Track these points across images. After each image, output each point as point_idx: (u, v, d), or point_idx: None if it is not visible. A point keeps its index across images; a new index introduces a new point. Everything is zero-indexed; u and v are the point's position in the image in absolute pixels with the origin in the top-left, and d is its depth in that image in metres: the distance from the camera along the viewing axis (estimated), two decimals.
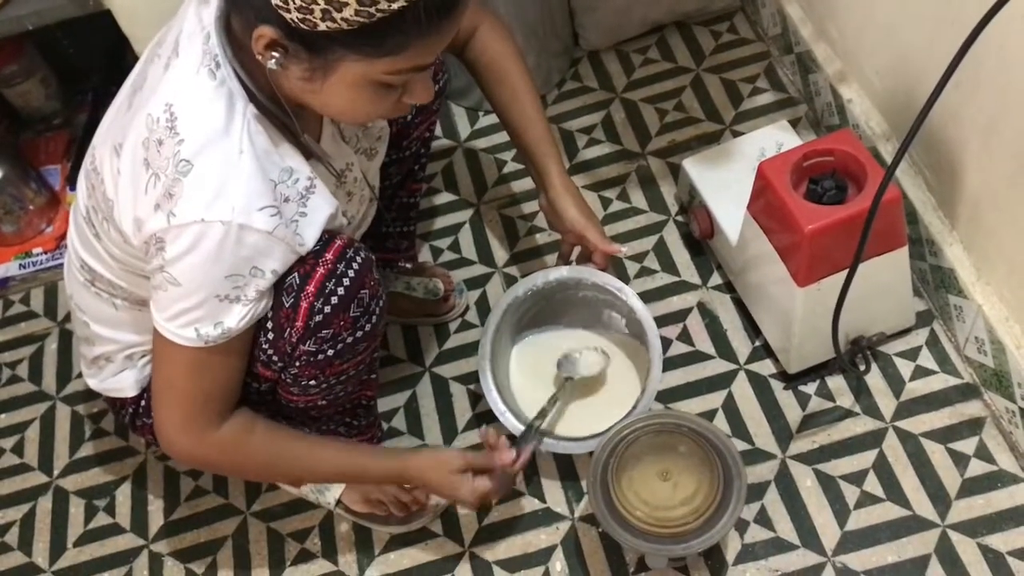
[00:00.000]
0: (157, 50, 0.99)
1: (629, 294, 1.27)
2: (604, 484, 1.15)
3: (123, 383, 1.19)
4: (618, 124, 1.66)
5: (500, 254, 1.55)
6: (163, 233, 0.90)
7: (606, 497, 1.14)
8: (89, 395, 1.52)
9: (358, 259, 1.02)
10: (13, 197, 1.65)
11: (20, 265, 1.68)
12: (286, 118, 0.95)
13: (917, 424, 1.26)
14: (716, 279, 1.45)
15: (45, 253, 1.69)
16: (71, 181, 1.76)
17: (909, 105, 1.22)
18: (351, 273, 1.00)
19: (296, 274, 0.98)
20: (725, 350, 1.38)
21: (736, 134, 1.57)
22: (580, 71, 1.74)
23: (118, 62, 1.81)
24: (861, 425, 1.27)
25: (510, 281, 1.40)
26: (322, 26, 0.80)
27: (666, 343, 1.39)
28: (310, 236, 0.97)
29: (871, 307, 1.25)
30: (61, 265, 1.67)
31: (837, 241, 1.13)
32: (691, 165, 1.44)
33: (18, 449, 1.49)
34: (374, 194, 1.20)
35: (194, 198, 0.89)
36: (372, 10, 0.79)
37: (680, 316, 1.42)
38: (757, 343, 1.37)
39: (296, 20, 0.81)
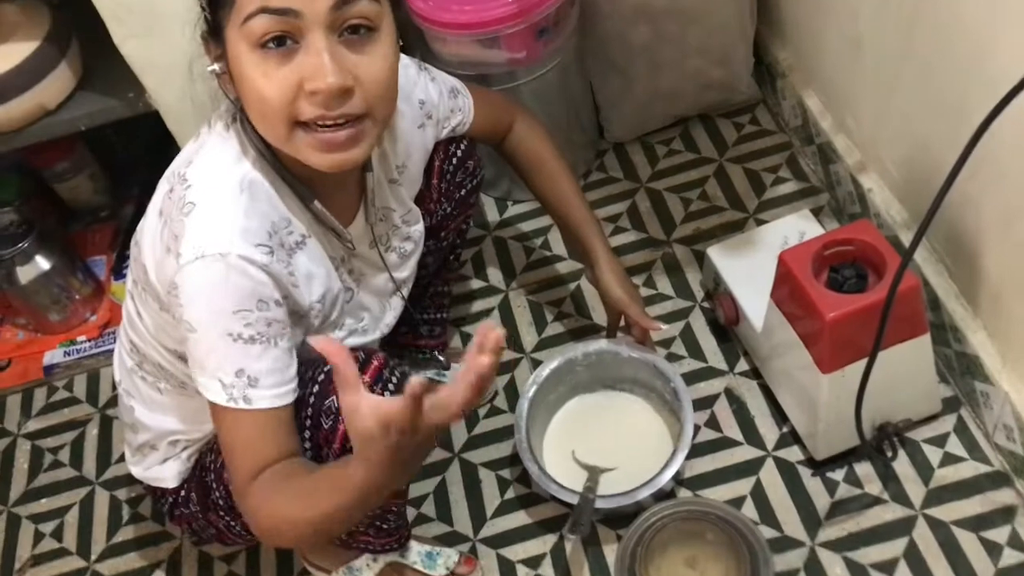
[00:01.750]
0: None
1: (658, 361, 1.36)
2: (632, 572, 1.15)
3: (165, 473, 1.20)
4: (643, 213, 1.70)
5: (528, 339, 1.58)
6: (175, 276, 0.93)
7: None
8: (127, 480, 1.55)
9: (394, 380, 1.03)
10: (60, 287, 1.71)
11: (65, 352, 1.73)
12: (296, 183, 1.00)
13: (948, 512, 1.25)
14: (743, 365, 1.46)
15: (89, 341, 1.74)
16: (116, 271, 1.82)
17: (927, 195, 1.24)
18: (386, 396, 1.01)
19: (334, 397, 0.99)
20: (753, 436, 1.38)
21: (759, 222, 1.60)
22: (606, 162, 1.79)
23: (163, 157, 1.89)
24: (891, 512, 1.27)
25: (538, 367, 1.43)
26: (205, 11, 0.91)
27: (694, 429, 1.39)
28: (304, 290, 1.01)
29: (896, 393, 1.25)
30: (104, 353, 1.72)
31: (859, 329, 1.15)
32: (715, 253, 1.47)
33: (57, 533, 1.52)
34: (399, 288, 1.22)
35: (194, 234, 0.92)
36: None
37: (708, 402, 1.43)
38: (784, 429, 1.38)
39: (200, 7, 0.92)
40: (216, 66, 0.94)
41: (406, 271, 1.23)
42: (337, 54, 0.88)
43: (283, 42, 0.87)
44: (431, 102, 1.18)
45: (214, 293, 0.92)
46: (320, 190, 1.02)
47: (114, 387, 1.67)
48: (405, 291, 1.24)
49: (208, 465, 1.17)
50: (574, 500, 1.26)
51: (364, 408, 0.75)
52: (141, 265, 1.02)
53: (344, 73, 0.88)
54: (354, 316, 1.15)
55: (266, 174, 0.98)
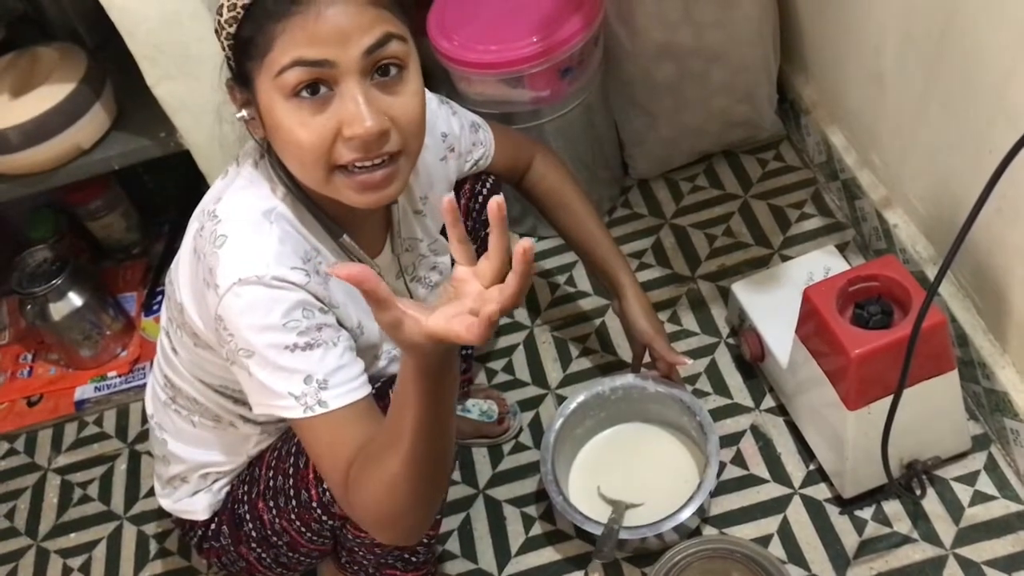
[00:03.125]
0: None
1: (684, 396, 1.36)
2: None
3: (196, 505, 1.20)
4: (668, 249, 1.70)
5: (553, 376, 1.58)
6: (218, 308, 0.93)
7: None
8: (155, 515, 1.57)
9: None
10: (92, 323, 1.74)
11: (96, 388, 1.76)
12: (325, 219, 1.01)
13: (979, 552, 1.23)
14: (769, 401, 1.45)
15: (119, 376, 1.76)
16: (146, 308, 1.85)
17: (952, 231, 1.24)
18: None
19: None
20: (779, 474, 1.37)
21: (784, 258, 1.60)
22: (630, 199, 1.80)
23: (194, 196, 1.92)
24: (920, 552, 1.25)
25: (564, 401, 1.43)
26: (227, 47, 0.90)
27: (720, 467, 1.39)
28: (343, 313, 1.01)
29: (924, 431, 1.24)
30: (134, 388, 1.74)
31: (884, 365, 1.14)
32: (740, 289, 1.47)
33: (85, 568, 1.53)
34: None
35: (229, 263, 0.92)
36: (235, 13, 0.88)
37: (734, 439, 1.42)
38: (811, 467, 1.36)
39: (226, 50, 0.92)
40: (244, 113, 0.94)
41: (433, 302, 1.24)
42: (372, 98, 0.88)
43: (317, 90, 0.87)
44: (453, 135, 1.19)
45: (258, 312, 0.91)
46: (347, 223, 1.03)
47: (144, 420, 1.70)
48: None
49: (241, 496, 1.17)
50: (599, 531, 1.26)
51: (408, 323, 0.74)
52: (177, 303, 1.03)
53: (380, 116, 0.88)
54: (390, 342, 1.12)
55: (295, 209, 0.99)
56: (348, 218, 1.03)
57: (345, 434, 0.92)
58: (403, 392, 0.81)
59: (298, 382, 0.92)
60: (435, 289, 1.23)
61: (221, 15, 0.90)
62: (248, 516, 1.16)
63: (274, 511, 1.13)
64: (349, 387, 0.94)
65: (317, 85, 0.87)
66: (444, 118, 1.19)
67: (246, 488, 1.17)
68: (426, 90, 1.03)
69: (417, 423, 0.81)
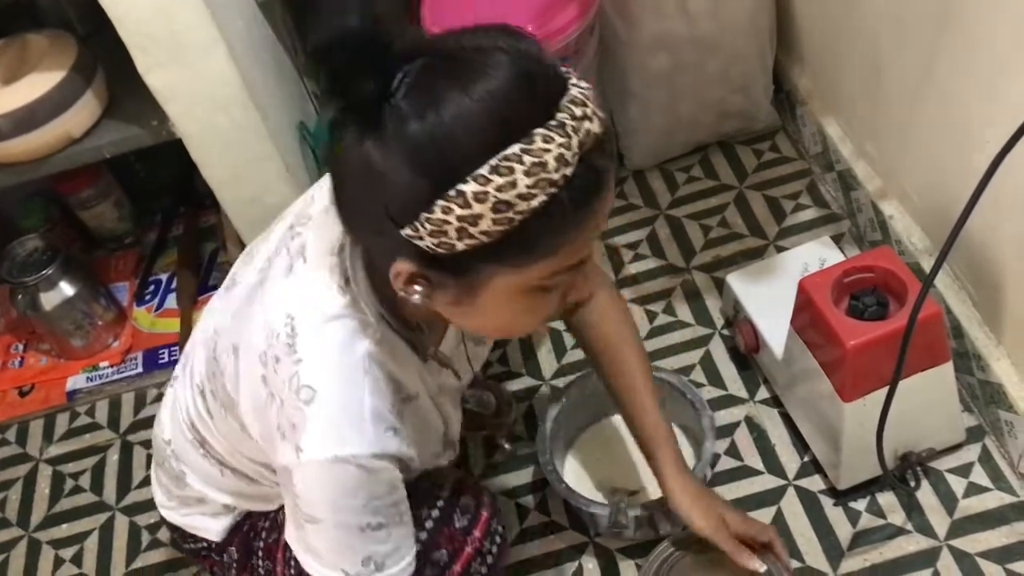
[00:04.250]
0: (287, 241, 0.92)
1: (672, 377, 1.35)
2: None
3: (211, 526, 1.11)
4: (663, 240, 1.69)
5: (548, 367, 1.57)
6: (293, 467, 0.84)
7: None
8: (147, 506, 1.56)
9: (499, 531, 1.05)
10: (84, 313, 1.73)
11: (87, 378, 1.75)
12: (415, 337, 0.91)
13: (972, 543, 1.24)
14: (763, 393, 1.45)
15: (111, 367, 1.75)
16: (139, 298, 1.84)
17: (948, 221, 1.24)
18: (495, 550, 1.02)
19: (444, 551, 0.99)
20: (774, 465, 1.37)
21: (780, 249, 1.60)
22: (625, 189, 1.79)
23: (186, 185, 1.92)
24: (914, 543, 1.25)
25: (558, 392, 1.42)
26: (460, 245, 0.72)
27: (715, 458, 1.39)
28: (416, 446, 0.92)
29: (919, 422, 1.24)
30: (126, 378, 1.73)
31: (880, 356, 1.14)
32: (735, 280, 1.46)
33: (77, 559, 1.53)
34: (473, 370, 1.13)
35: (320, 433, 0.83)
36: (510, 215, 0.70)
37: (728, 431, 1.42)
38: (806, 458, 1.36)
39: (432, 246, 0.72)
40: (418, 292, 0.78)
41: (477, 366, 1.16)
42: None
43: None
44: None
45: (344, 494, 0.84)
46: (427, 331, 0.96)
47: (137, 411, 1.70)
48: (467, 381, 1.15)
49: (260, 532, 1.10)
50: (604, 512, 1.25)
51: None
52: (227, 393, 0.93)
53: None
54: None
55: (385, 341, 0.88)
56: (432, 323, 0.95)
57: None
58: None
59: (355, 562, 0.88)
60: (479, 354, 1.13)
61: (469, 222, 0.70)
62: (261, 555, 1.09)
63: (292, 570, 1.03)
64: (401, 565, 0.91)
65: None
66: None
67: (267, 527, 1.09)
68: None
69: None
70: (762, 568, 1.10)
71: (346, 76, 0.70)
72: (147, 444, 1.65)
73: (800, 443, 1.37)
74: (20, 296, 1.70)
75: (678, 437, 1.37)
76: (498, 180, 0.69)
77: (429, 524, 1.00)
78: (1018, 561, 1.21)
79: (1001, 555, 1.22)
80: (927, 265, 1.38)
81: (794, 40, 1.71)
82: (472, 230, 0.70)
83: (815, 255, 1.45)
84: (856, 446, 1.23)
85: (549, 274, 0.76)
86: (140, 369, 1.74)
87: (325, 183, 0.90)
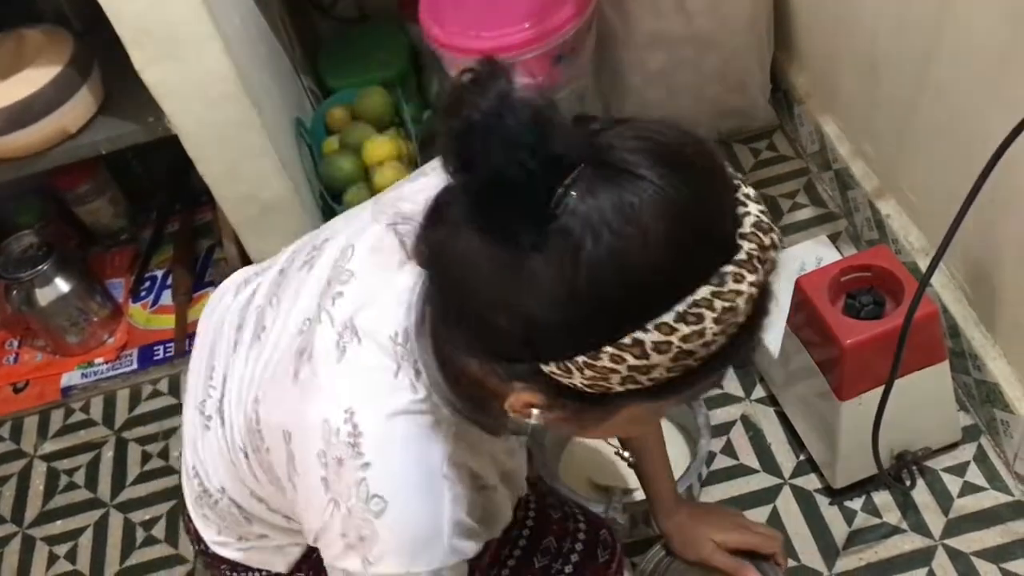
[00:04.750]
0: (326, 304, 0.78)
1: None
2: None
3: (276, 560, 0.98)
4: None
5: None
6: (351, 569, 0.76)
7: None
8: (141, 503, 1.56)
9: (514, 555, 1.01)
10: (79, 309, 1.72)
11: (82, 374, 1.74)
12: (487, 419, 0.78)
13: (967, 543, 1.24)
14: (759, 392, 1.45)
15: (106, 363, 1.75)
16: (134, 294, 1.83)
17: (945, 221, 1.24)
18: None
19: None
20: (769, 464, 1.37)
21: None
22: None
23: (182, 181, 1.91)
24: (909, 542, 1.25)
25: None
26: (619, 389, 0.62)
27: (710, 456, 1.39)
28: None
29: (915, 421, 1.24)
30: (121, 374, 1.73)
31: (876, 355, 1.13)
32: None
33: (71, 556, 1.52)
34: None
35: (395, 550, 0.73)
36: (689, 362, 0.61)
37: (724, 429, 1.42)
38: (802, 457, 1.36)
39: (581, 386, 0.62)
40: (536, 417, 0.67)
41: None
42: None
43: None
44: None
45: None
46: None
47: (132, 408, 1.69)
48: None
49: None
50: (599, 510, 1.25)
51: None
52: (272, 469, 0.82)
53: None
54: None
55: (460, 432, 0.77)
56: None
57: None
58: None
59: None
60: None
61: (640, 371, 0.60)
62: None
63: None
64: None
65: None
66: None
67: None
68: None
69: None
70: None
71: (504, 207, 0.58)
72: (142, 440, 1.65)
73: (796, 442, 1.37)
74: (15, 292, 1.70)
75: (674, 435, 1.38)
76: (684, 330, 0.58)
77: (575, 558, 0.99)
78: (1013, 560, 1.21)
79: (996, 554, 1.22)
80: (924, 264, 1.38)
81: (792, 38, 1.71)
82: (641, 378, 0.61)
83: (812, 254, 1.45)
84: (852, 445, 1.23)
85: (678, 402, 0.69)
86: (135, 365, 1.74)
87: (359, 221, 0.81)
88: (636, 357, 0.59)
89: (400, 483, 0.73)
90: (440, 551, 0.74)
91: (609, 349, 0.59)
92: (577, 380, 0.62)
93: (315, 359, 0.77)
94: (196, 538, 1.02)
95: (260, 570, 1.01)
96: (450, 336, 0.69)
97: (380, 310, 0.74)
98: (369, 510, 0.72)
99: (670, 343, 0.59)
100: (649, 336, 0.59)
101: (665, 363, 0.60)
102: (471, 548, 0.76)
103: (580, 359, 0.60)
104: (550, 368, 0.62)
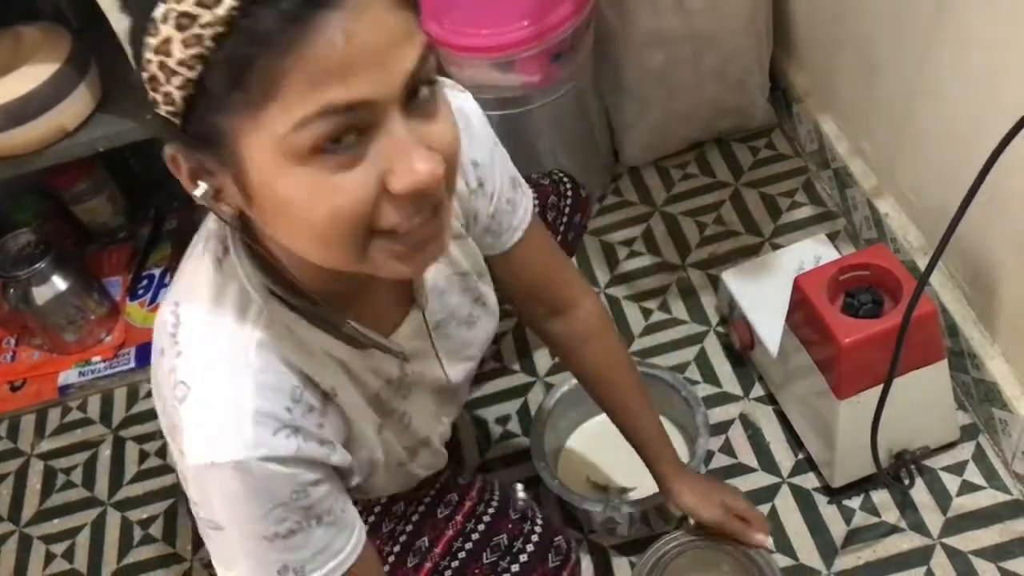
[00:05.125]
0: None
1: (667, 375, 1.35)
2: None
3: None
4: (658, 237, 1.69)
5: (542, 364, 1.57)
6: (183, 471, 0.75)
7: None
8: (139, 501, 1.56)
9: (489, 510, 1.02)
10: (76, 307, 1.72)
11: (80, 373, 1.74)
12: (315, 308, 0.77)
13: (966, 541, 1.23)
14: (758, 390, 1.45)
15: (104, 361, 1.75)
16: (132, 292, 1.83)
17: (943, 219, 1.24)
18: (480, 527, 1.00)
19: (426, 537, 0.98)
20: (768, 463, 1.37)
21: (775, 247, 1.59)
22: (621, 186, 1.79)
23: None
24: (908, 541, 1.25)
25: (551, 389, 1.42)
26: (175, 92, 0.60)
27: (708, 455, 1.38)
28: (341, 453, 0.81)
29: (913, 421, 1.24)
30: (118, 373, 1.73)
31: (874, 354, 1.13)
32: (730, 278, 1.46)
33: (68, 555, 1.52)
34: (445, 369, 0.95)
35: (197, 435, 0.72)
36: (196, 31, 0.57)
37: (722, 428, 1.42)
38: (800, 456, 1.36)
39: (162, 105, 0.62)
40: (202, 189, 0.65)
41: (468, 356, 0.99)
42: (416, 133, 0.62)
43: (340, 140, 0.60)
44: (485, 165, 0.91)
45: (235, 502, 0.73)
46: (349, 300, 0.79)
47: (129, 406, 1.69)
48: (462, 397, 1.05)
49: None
50: (597, 509, 1.26)
51: None
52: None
53: (433, 156, 0.63)
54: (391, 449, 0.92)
55: (276, 319, 0.75)
56: (348, 294, 0.79)
57: None
58: None
59: (270, 572, 0.77)
60: (477, 326, 0.97)
61: (163, 52, 0.58)
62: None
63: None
64: (333, 564, 0.80)
65: (343, 135, 0.60)
66: (480, 143, 0.90)
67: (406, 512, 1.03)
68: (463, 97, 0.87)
69: None
70: (770, 544, 1.13)
71: None
72: (139, 439, 1.64)
73: (795, 441, 1.37)
74: (12, 290, 1.69)
75: (672, 435, 1.38)
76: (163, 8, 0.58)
77: (523, 558, 0.99)
78: (1011, 559, 1.21)
79: (995, 553, 1.22)
80: (923, 263, 1.38)
81: (790, 37, 1.71)
82: (170, 63, 0.58)
83: (810, 253, 1.44)
84: (850, 444, 1.23)
85: (294, 123, 0.59)
86: (133, 364, 1.73)
87: None
88: (153, 36, 0.58)
89: (201, 369, 0.73)
90: (241, 440, 0.71)
91: (146, 40, 0.59)
92: (154, 97, 0.61)
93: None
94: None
95: None
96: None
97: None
98: (175, 397, 0.73)
99: (169, 9, 0.57)
100: (158, 11, 0.58)
101: (175, 35, 0.57)
102: (293, 447, 0.73)
103: (142, 64, 0.60)
104: (151, 98, 0.62)
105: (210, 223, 0.77)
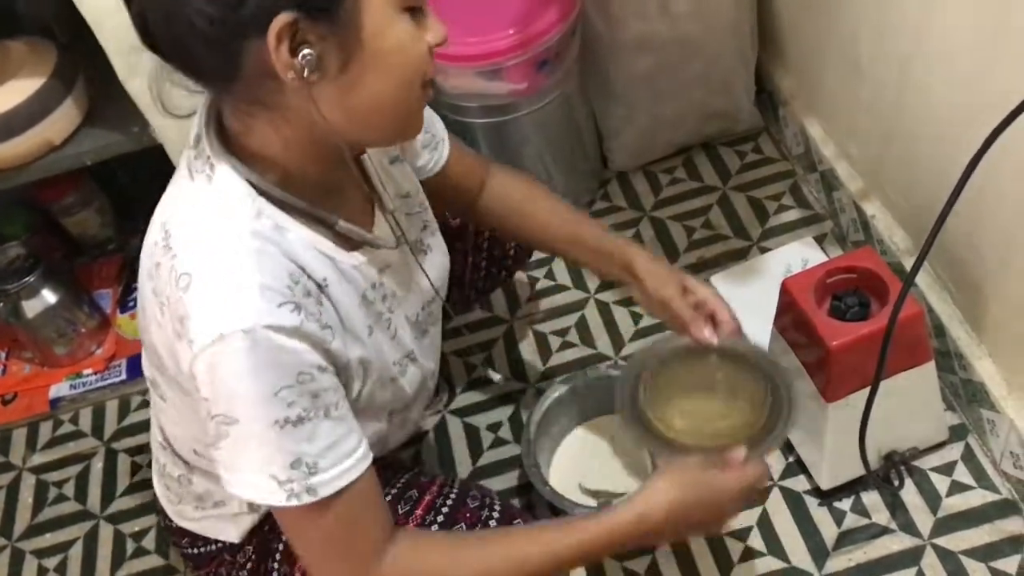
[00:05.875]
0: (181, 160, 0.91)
1: None
2: (640, 414, 1.04)
3: (228, 528, 1.06)
4: (647, 241, 1.70)
5: (534, 370, 1.57)
6: (192, 366, 0.79)
7: (641, 420, 1.03)
8: (132, 514, 1.55)
9: (448, 503, 1.03)
10: (66, 320, 1.72)
11: (71, 386, 1.74)
12: (307, 207, 0.85)
13: (956, 542, 1.24)
14: None
15: (95, 374, 1.74)
16: (122, 304, 1.83)
17: (929, 221, 1.25)
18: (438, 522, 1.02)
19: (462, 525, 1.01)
20: None
21: (763, 250, 1.60)
22: (609, 191, 1.80)
23: None
24: (898, 542, 1.25)
25: (541, 396, 1.43)
26: None
27: None
28: (340, 342, 0.85)
29: (902, 422, 1.24)
30: (110, 385, 1.72)
31: (862, 357, 1.14)
32: (719, 281, 1.47)
33: (61, 569, 1.52)
34: (437, 294, 1.07)
35: (203, 313, 0.77)
36: None
37: None
38: (791, 458, 1.36)
39: None
40: (305, 53, 0.75)
41: (439, 258, 1.08)
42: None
43: (416, 9, 0.82)
44: None
45: (245, 379, 0.77)
46: (331, 203, 0.88)
47: (121, 418, 1.69)
48: (441, 295, 1.09)
49: (280, 532, 1.03)
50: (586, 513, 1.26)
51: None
52: (153, 350, 0.89)
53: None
54: (401, 368, 1.00)
55: (267, 217, 0.82)
56: (329, 197, 0.88)
57: (346, 522, 0.84)
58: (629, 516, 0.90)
59: (283, 465, 0.80)
60: (431, 255, 1.06)
61: None
62: (280, 558, 1.03)
63: None
64: (344, 466, 0.83)
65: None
66: None
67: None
68: None
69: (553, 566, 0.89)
70: (715, 340, 1.06)
71: None
72: (131, 451, 1.64)
73: (785, 443, 1.38)
74: (2, 304, 1.69)
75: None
76: None
77: (445, 510, 1.02)
78: (1001, 559, 1.21)
79: (985, 553, 1.23)
80: (909, 265, 1.38)
81: (776, 41, 1.72)
82: None
83: (798, 256, 1.45)
84: (840, 446, 1.24)
85: None
86: (124, 376, 1.73)
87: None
88: None
89: (200, 256, 0.79)
90: (248, 308, 0.76)
91: None
92: None
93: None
94: (160, 511, 1.13)
95: (216, 542, 1.09)
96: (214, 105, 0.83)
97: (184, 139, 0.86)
98: (179, 289, 0.78)
99: None
100: None
101: None
102: (296, 321, 0.79)
103: None
104: None
105: (186, 159, 0.85)
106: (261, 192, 0.83)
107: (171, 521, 1.13)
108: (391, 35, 0.79)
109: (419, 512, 1.02)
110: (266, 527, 1.07)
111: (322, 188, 0.87)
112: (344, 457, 0.84)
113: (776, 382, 1.05)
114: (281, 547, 1.05)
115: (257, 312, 0.77)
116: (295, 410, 0.79)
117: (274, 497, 0.82)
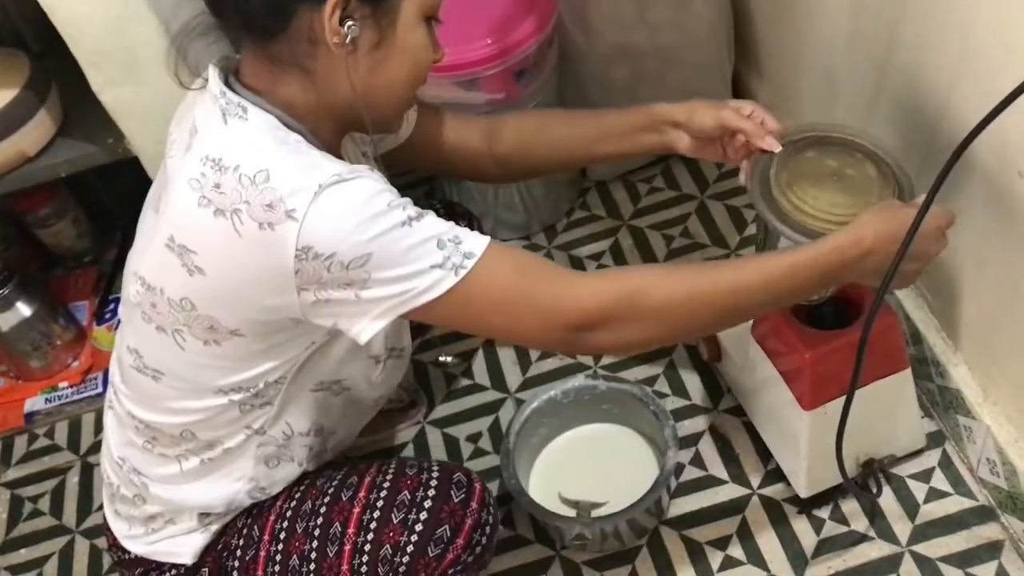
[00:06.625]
0: (170, 152, 0.97)
1: (635, 389, 1.36)
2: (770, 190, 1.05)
3: (182, 549, 1.09)
4: (626, 250, 1.70)
5: (512, 380, 1.57)
6: (299, 239, 0.83)
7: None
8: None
9: (491, 502, 1.08)
10: (41, 333, 1.70)
11: (46, 399, 1.72)
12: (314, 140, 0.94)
13: (934, 548, 1.25)
14: (727, 402, 1.46)
15: (71, 387, 1.73)
16: (98, 317, 1.81)
17: None
18: (491, 520, 1.07)
19: (447, 527, 1.03)
20: (738, 475, 1.38)
21: None
22: (588, 200, 1.80)
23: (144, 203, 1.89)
24: (876, 550, 1.26)
25: (521, 406, 1.43)
26: None
27: (679, 468, 1.39)
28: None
29: (879, 429, 1.25)
30: (86, 398, 1.71)
31: (839, 365, 1.14)
32: None
33: None
34: None
35: (295, 183, 0.84)
36: None
37: (692, 440, 1.43)
38: (770, 467, 1.37)
39: None
40: (351, 25, 0.87)
41: None
42: None
43: (432, 20, 0.95)
44: None
45: (358, 209, 0.84)
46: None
47: (98, 431, 1.67)
48: None
49: (234, 550, 1.08)
50: (567, 524, 1.27)
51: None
52: (180, 304, 0.91)
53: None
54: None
55: (294, 137, 0.91)
56: (334, 151, 0.98)
57: (523, 264, 0.90)
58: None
59: (433, 249, 0.85)
60: None
61: None
62: (237, 575, 1.08)
63: None
64: (476, 232, 0.89)
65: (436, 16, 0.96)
66: None
67: (242, 545, 1.09)
68: None
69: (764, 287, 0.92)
70: (777, 148, 1.07)
71: None
72: None
73: (764, 452, 1.38)
74: None
75: (642, 448, 1.38)
76: None
77: (428, 504, 1.03)
78: (978, 564, 1.22)
79: (962, 559, 1.23)
80: None
81: (752, 50, 1.73)
82: None
83: None
84: (818, 454, 1.24)
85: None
86: (100, 389, 1.72)
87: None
88: None
89: (267, 153, 0.86)
90: (329, 166, 0.86)
91: None
92: None
93: (169, 179, 0.93)
94: (112, 543, 1.14)
95: (170, 568, 1.10)
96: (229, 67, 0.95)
97: (205, 107, 0.92)
98: (257, 185, 0.84)
99: None
100: None
101: None
102: (360, 171, 0.87)
103: None
104: None
105: (217, 108, 0.91)
106: (288, 124, 0.92)
107: (123, 553, 1.13)
108: (416, 34, 0.93)
109: (362, 494, 1.05)
110: (219, 546, 1.10)
111: (332, 138, 0.98)
112: (467, 234, 0.89)
113: (892, 170, 1.06)
114: (236, 564, 1.07)
115: (338, 166, 0.86)
116: (408, 210, 0.86)
117: (446, 281, 0.86)
